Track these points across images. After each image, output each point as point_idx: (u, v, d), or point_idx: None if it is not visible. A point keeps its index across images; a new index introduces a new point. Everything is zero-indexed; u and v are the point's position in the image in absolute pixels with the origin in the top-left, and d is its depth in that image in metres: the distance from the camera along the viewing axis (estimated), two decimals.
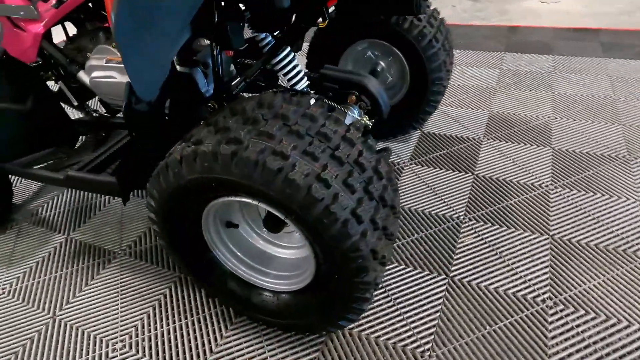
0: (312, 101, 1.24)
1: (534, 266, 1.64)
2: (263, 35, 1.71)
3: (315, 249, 1.14)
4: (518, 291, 1.55)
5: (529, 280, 1.59)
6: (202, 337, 1.49)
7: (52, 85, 1.96)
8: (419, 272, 1.65)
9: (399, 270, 1.66)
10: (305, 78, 1.79)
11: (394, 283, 1.62)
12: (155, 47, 1.11)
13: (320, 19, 1.49)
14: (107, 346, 1.49)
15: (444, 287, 1.59)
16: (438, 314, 1.50)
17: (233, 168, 1.03)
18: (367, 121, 1.73)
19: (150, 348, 1.47)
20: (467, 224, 1.83)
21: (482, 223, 1.84)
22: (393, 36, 2.02)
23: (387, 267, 1.67)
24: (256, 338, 1.46)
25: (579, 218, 1.83)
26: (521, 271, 1.62)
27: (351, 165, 1.11)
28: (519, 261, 1.67)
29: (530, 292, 1.54)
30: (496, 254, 1.70)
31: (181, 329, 1.52)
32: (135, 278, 1.74)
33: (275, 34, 1.71)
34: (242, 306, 1.44)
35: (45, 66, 1.85)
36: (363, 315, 1.50)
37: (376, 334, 1.46)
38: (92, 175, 1.57)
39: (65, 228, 2.05)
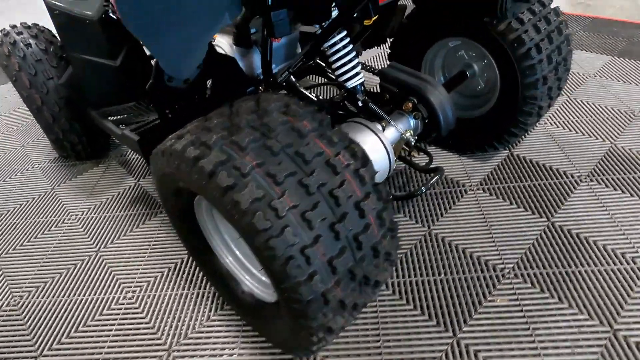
0: (315, 114, 1.11)
1: None
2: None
3: None
4: None
5: None
6: (193, 312, 1.55)
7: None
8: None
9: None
10: (361, 75, 1.62)
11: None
12: (179, 34, 1.10)
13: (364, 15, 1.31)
14: (122, 291, 1.67)
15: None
16: None
17: (193, 174, 0.99)
18: (410, 137, 1.52)
19: (149, 306, 1.60)
20: (507, 280, 1.52)
21: (528, 284, 1.50)
22: (485, 38, 1.69)
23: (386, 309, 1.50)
24: (235, 332, 1.47)
25: None
26: None
27: (323, 196, 0.98)
28: None
29: None
30: None
31: (180, 298, 1.61)
32: (168, 236, 1.88)
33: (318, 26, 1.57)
34: (225, 294, 1.46)
35: None
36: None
37: None
38: (119, 129, 1.73)
39: (138, 174, 2.30)
